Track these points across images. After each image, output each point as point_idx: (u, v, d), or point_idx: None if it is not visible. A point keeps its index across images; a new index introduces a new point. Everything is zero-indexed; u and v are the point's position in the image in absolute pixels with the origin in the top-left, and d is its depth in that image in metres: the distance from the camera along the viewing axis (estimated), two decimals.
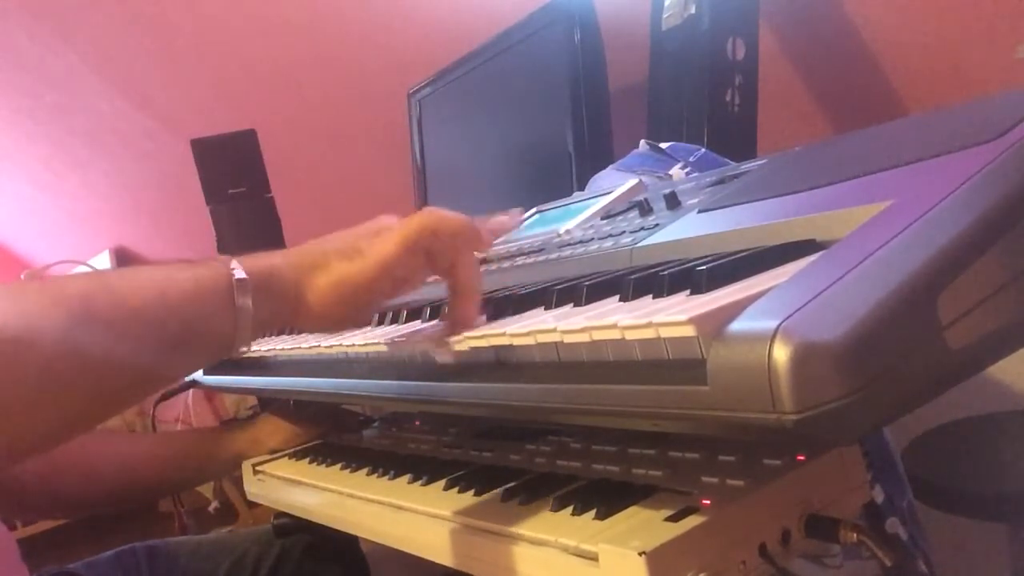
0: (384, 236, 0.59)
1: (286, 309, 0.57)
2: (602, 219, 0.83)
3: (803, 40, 1.31)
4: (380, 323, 0.81)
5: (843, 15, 1.22)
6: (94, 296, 0.47)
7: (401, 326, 0.77)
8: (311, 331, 0.59)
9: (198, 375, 1.13)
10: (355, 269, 0.57)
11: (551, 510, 0.59)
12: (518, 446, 0.79)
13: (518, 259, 0.83)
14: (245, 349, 0.54)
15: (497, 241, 0.98)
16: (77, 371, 0.46)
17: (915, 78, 1.24)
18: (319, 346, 0.82)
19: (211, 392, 2.94)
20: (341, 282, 0.57)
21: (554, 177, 1.25)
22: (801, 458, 0.57)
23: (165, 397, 1.30)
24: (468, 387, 0.58)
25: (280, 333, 0.98)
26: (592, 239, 0.75)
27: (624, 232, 0.72)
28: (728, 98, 1.17)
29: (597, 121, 1.23)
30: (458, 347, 0.58)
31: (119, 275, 0.51)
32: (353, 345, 0.72)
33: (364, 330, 0.79)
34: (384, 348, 0.67)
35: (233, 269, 0.53)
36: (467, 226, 0.61)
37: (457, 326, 0.58)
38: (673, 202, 0.73)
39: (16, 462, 0.48)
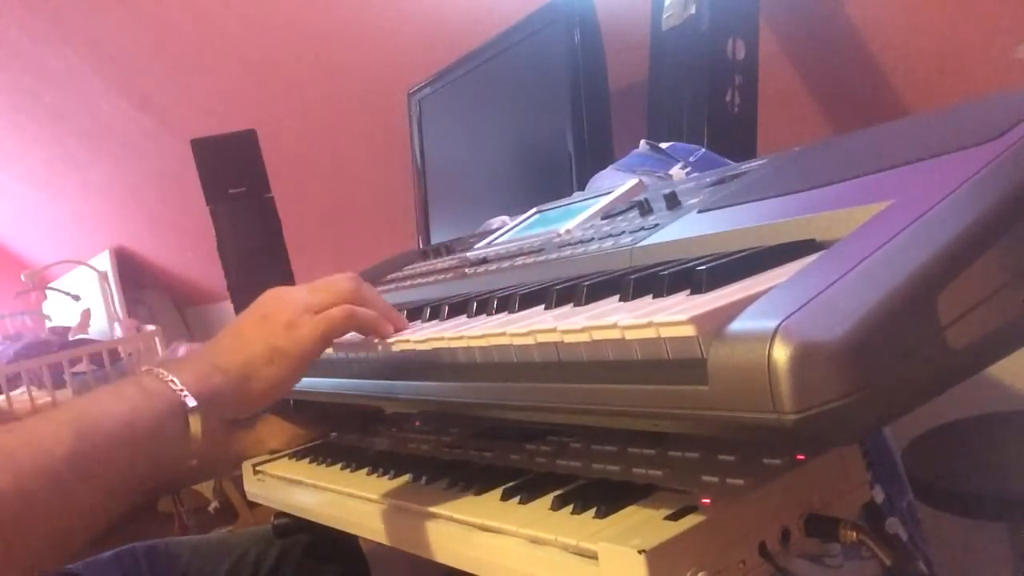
0: (302, 334, 0.66)
1: (229, 413, 0.65)
2: (602, 219, 0.83)
3: (803, 40, 1.31)
4: None
5: (843, 15, 1.22)
6: (75, 452, 0.54)
7: None
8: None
9: None
10: (282, 371, 0.66)
11: (551, 509, 0.60)
12: (518, 446, 0.79)
13: (518, 259, 0.83)
14: (196, 458, 0.62)
15: (497, 241, 0.98)
16: (80, 489, 0.54)
17: (915, 78, 1.24)
18: None
19: None
20: (272, 386, 0.66)
21: (554, 177, 1.25)
22: (801, 458, 0.57)
23: None
24: (468, 387, 0.58)
25: None
26: (592, 239, 0.75)
27: (624, 232, 0.72)
28: (728, 98, 1.17)
29: (597, 121, 1.23)
30: (455, 345, 0.58)
31: (92, 417, 0.57)
32: None
33: None
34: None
35: (184, 396, 0.60)
36: (362, 316, 0.70)
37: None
38: (673, 202, 0.73)
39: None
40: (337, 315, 0.68)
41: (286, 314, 0.67)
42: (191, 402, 0.60)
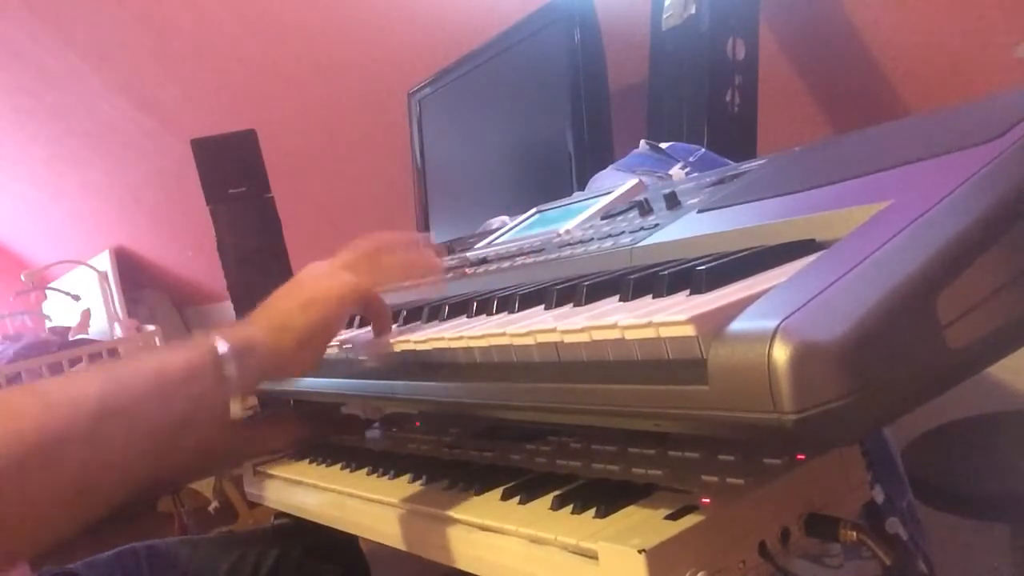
0: (334, 283, 0.69)
1: (266, 368, 0.65)
2: (602, 219, 0.83)
3: (803, 40, 1.31)
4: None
5: (843, 15, 1.22)
6: (107, 394, 0.54)
7: (401, 326, 0.77)
8: (292, 376, 0.70)
9: None
10: (315, 318, 0.67)
11: (551, 509, 0.59)
12: (518, 446, 0.79)
13: (518, 259, 0.83)
14: (240, 414, 0.61)
15: (497, 241, 0.98)
16: (104, 465, 0.53)
17: (915, 78, 1.24)
18: None
19: None
20: (307, 334, 0.67)
21: (554, 177, 1.25)
22: (801, 457, 0.57)
23: None
24: (468, 387, 0.58)
25: None
26: (592, 239, 0.75)
27: (624, 232, 0.72)
28: (728, 98, 1.17)
29: (597, 121, 1.23)
30: (455, 345, 0.58)
31: (123, 367, 0.58)
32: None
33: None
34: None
35: (215, 344, 0.60)
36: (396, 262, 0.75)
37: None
38: (673, 202, 0.73)
39: (51, 548, 0.52)
40: (359, 283, 0.70)
41: (318, 273, 0.70)
42: (222, 347, 0.60)
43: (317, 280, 0.70)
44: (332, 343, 0.79)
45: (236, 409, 0.61)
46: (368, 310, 0.74)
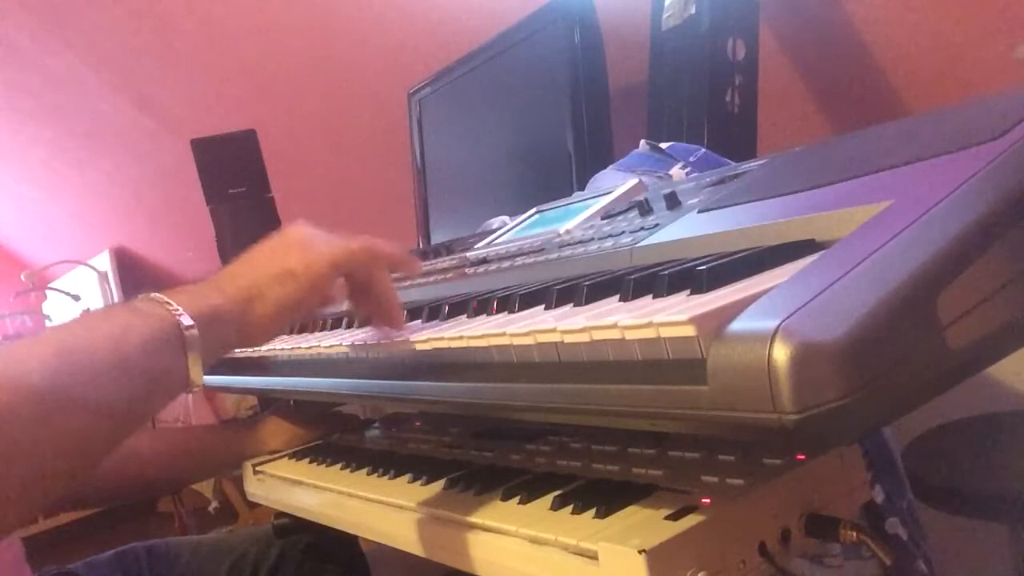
0: (313, 256, 0.64)
1: (231, 340, 0.61)
2: (602, 219, 0.83)
3: (803, 40, 1.31)
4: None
5: (843, 15, 1.22)
6: (58, 372, 0.49)
7: None
8: (254, 347, 0.65)
9: None
10: (289, 292, 0.62)
11: (551, 509, 0.60)
12: (518, 446, 0.79)
13: (518, 259, 0.83)
14: (199, 385, 0.57)
15: (497, 241, 0.98)
16: (65, 412, 0.48)
17: (915, 78, 1.24)
18: (319, 346, 0.82)
19: (211, 392, 2.94)
20: (277, 309, 0.62)
21: (554, 177, 1.25)
22: (801, 458, 0.57)
23: None
24: (468, 387, 0.58)
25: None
26: (592, 239, 0.75)
27: (624, 232, 0.72)
28: (728, 98, 1.17)
29: (597, 121, 1.23)
30: (455, 345, 0.58)
31: (75, 338, 0.52)
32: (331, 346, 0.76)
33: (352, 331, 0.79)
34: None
35: (178, 315, 0.56)
36: (384, 251, 0.68)
37: (387, 334, 0.67)
38: (673, 202, 0.73)
39: (21, 517, 0.49)
40: (355, 246, 0.66)
41: (298, 239, 0.65)
42: (186, 320, 0.55)
43: (302, 249, 0.64)
44: (334, 343, 0.79)
45: (197, 378, 0.57)
46: (364, 288, 0.68)
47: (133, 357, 0.52)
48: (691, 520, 0.51)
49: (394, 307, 0.68)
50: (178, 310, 0.56)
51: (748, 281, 0.47)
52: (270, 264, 0.63)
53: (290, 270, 0.63)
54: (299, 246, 0.64)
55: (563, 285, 0.61)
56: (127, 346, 0.52)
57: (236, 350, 0.70)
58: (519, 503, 0.63)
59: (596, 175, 1.09)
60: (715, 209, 0.66)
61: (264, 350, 0.92)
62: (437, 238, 1.56)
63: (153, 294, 0.57)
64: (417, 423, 1.05)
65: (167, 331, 0.55)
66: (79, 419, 0.49)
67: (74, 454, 0.50)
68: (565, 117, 1.23)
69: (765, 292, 0.41)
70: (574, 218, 0.86)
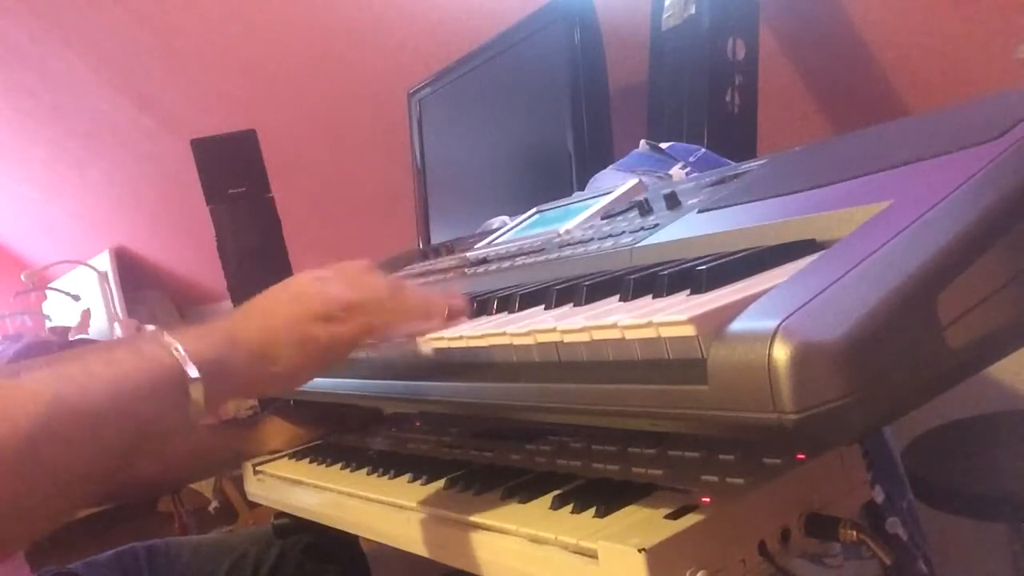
0: (335, 328, 0.60)
1: (238, 391, 0.59)
2: (602, 219, 0.83)
3: (803, 40, 1.31)
4: None
5: (843, 15, 1.22)
6: (53, 411, 0.47)
7: None
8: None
9: None
10: (307, 361, 0.60)
11: (551, 508, 0.60)
12: (518, 446, 0.79)
13: (518, 259, 0.83)
14: (198, 425, 0.55)
15: (497, 241, 0.98)
16: (56, 457, 0.47)
17: (915, 78, 1.24)
18: None
19: None
20: (293, 373, 0.60)
21: (554, 177, 1.25)
22: (801, 457, 0.57)
23: None
24: (469, 387, 0.58)
25: None
26: (592, 239, 0.75)
27: (624, 232, 0.72)
28: (728, 98, 1.17)
29: (597, 121, 1.23)
30: (455, 345, 0.58)
31: (74, 376, 0.50)
32: None
33: None
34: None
35: (184, 364, 0.53)
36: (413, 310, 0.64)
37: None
38: (673, 202, 0.73)
39: (22, 540, 0.49)
40: (379, 326, 0.62)
41: (324, 305, 0.61)
42: (192, 372, 0.53)
43: (327, 319, 0.60)
44: None
45: (197, 420, 0.55)
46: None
47: (131, 405, 0.51)
48: (691, 519, 0.51)
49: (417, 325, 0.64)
50: (184, 357, 0.53)
51: (748, 281, 0.47)
52: (290, 324, 0.60)
53: (312, 337, 0.60)
54: (323, 314, 0.60)
55: (563, 285, 0.61)
56: (125, 396, 0.51)
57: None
58: (519, 502, 0.63)
59: (596, 175, 1.09)
60: (715, 209, 0.66)
61: None
62: (437, 238, 1.56)
63: (161, 333, 0.55)
64: (417, 423, 1.05)
65: (169, 380, 0.53)
66: (72, 459, 0.48)
67: (67, 492, 0.48)
68: (565, 117, 1.23)
69: (765, 292, 0.41)
70: (574, 218, 0.86)
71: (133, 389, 0.51)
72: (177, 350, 0.54)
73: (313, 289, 0.62)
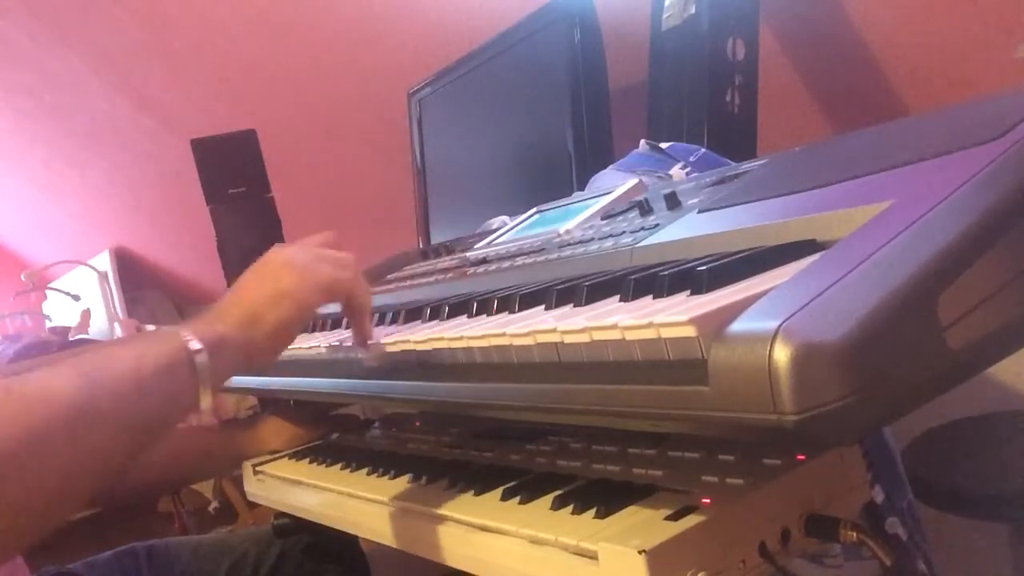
0: (305, 279, 0.69)
1: (239, 364, 0.66)
2: (602, 219, 0.83)
3: (803, 40, 1.31)
4: (380, 323, 0.81)
5: (843, 15, 1.22)
6: (84, 393, 0.54)
7: (401, 326, 0.77)
8: (260, 369, 0.70)
9: None
10: (286, 313, 0.67)
11: (551, 509, 0.60)
12: (518, 446, 0.79)
13: (518, 259, 0.83)
14: (207, 406, 0.62)
15: (497, 241, 0.98)
16: (81, 464, 0.53)
17: (915, 78, 1.24)
18: (319, 346, 0.82)
19: None
20: (277, 329, 0.67)
21: (554, 177, 1.25)
22: (801, 458, 0.57)
23: None
24: (469, 387, 0.58)
25: None
26: (592, 239, 0.75)
27: (624, 232, 0.72)
28: (728, 98, 1.17)
29: (597, 121, 1.23)
30: (455, 345, 0.58)
31: (98, 365, 0.57)
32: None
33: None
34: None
35: (188, 341, 0.61)
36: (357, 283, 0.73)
37: (362, 340, 0.72)
38: (673, 202, 0.73)
39: (43, 530, 0.52)
40: (345, 277, 0.71)
41: (288, 263, 0.69)
42: (195, 344, 0.61)
43: (291, 271, 0.69)
44: (333, 343, 0.79)
45: (206, 402, 0.62)
46: (348, 308, 0.73)
47: (149, 379, 0.58)
48: (691, 520, 0.51)
49: (364, 327, 0.73)
50: (188, 336, 0.61)
51: (748, 281, 0.47)
52: (263, 288, 0.68)
53: (284, 291, 0.67)
54: (288, 269, 0.69)
55: (563, 285, 0.61)
56: (144, 369, 0.58)
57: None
58: (519, 503, 0.63)
59: (596, 175, 1.09)
60: (715, 209, 0.66)
61: None
62: (437, 238, 1.56)
63: (165, 327, 0.64)
64: (417, 423, 1.05)
65: (179, 356, 0.60)
66: (103, 436, 0.54)
67: (97, 470, 0.54)
68: (565, 117, 1.23)
69: (765, 292, 0.41)
70: (574, 218, 0.86)
71: (149, 364, 0.58)
72: (181, 333, 0.62)
73: (279, 259, 0.70)
